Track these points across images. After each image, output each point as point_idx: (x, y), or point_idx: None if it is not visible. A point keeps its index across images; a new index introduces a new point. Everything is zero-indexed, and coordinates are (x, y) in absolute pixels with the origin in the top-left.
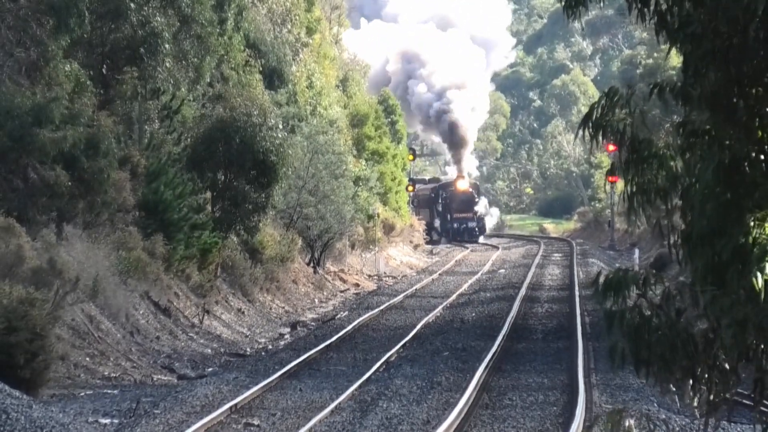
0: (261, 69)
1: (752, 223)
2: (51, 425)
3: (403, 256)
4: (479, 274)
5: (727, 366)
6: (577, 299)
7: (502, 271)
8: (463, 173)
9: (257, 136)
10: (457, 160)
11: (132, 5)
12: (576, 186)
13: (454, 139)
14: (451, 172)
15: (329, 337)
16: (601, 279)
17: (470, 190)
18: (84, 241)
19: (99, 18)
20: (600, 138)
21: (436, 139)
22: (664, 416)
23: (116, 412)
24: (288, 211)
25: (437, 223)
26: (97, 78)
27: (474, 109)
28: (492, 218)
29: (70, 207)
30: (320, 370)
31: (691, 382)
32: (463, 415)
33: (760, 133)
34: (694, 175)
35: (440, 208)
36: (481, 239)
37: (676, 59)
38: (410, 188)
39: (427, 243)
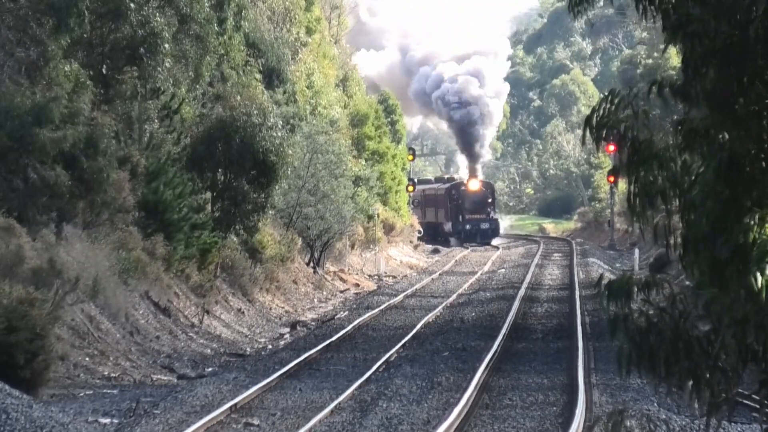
0: (260, 68)
1: (752, 222)
2: (51, 425)
3: (403, 256)
4: (479, 273)
5: (728, 366)
6: (577, 299)
7: (502, 270)
8: (476, 173)
9: (257, 136)
10: (471, 160)
11: (132, 5)
12: (576, 186)
13: (467, 137)
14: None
15: (329, 337)
16: (603, 282)
17: (483, 189)
18: (84, 241)
19: (99, 18)
20: (601, 140)
21: (441, 124)
22: (664, 416)
23: (116, 411)
24: (288, 211)
25: (449, 224)
26: (97, 78)
27: (492, 107)
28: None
29: (70, 207)
30: (320, 370)
31: (692, 382)
32: (463, 415)
33: (760, 131)
34: (693, 173)
35: (452, 209)
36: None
37: (675, 59)
38: (410, 188)
39: (436, 244)
